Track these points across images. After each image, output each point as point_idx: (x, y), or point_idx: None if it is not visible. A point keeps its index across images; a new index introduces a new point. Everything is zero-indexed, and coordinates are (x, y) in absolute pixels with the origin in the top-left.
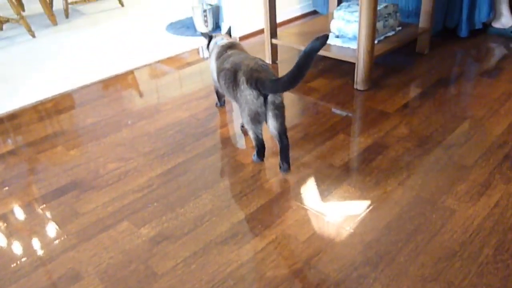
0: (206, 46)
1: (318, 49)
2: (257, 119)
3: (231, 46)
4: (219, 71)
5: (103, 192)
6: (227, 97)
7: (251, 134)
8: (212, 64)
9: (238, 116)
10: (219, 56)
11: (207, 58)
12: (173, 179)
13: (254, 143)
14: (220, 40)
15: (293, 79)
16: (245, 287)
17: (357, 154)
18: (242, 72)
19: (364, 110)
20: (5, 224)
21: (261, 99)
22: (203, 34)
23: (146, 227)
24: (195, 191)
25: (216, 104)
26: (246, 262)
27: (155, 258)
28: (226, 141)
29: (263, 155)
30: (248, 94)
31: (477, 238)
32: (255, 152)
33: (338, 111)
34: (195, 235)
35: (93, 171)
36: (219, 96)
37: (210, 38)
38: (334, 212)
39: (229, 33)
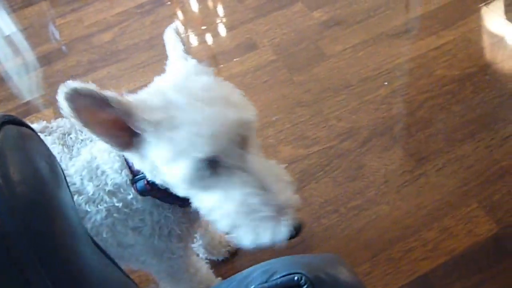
0: None
1: None
2: None
3: None
4: None
5: None
6: None
7: None
8: None
9: None
10: None
11: None
12: None
13: None
14: None
15: None
16: (411, 79)
17: None
18: None
19: None
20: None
21: None
22: None
23: (319, 11)
24: None
25: None
26: (417, 57)
27: (325, 40)
28: None
29: None
30: None
31: None
32: None
33: None
34: (367, 24)
35: None
36: None
37: None
38: None
39: None
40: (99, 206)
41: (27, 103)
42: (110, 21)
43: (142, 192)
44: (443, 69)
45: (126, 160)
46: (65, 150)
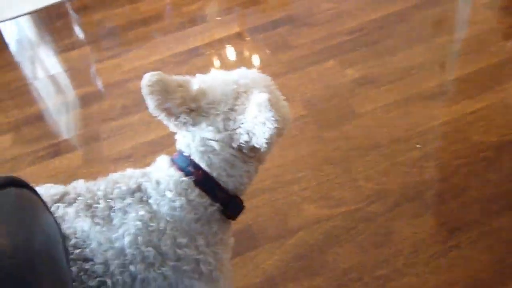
0: None
1: None
2: None
3: None
4: None
5: (315, 30)
6: None
7: None
8: None
9: None
10: None
11: None
12: (387, 26)
13: None
14: None
15: None
16: (445, 144)
17: None
18: None
19: None
20: (222, 48)
21: None
22: None
23: (352, 68)
24: (408, 42)
25: None
26: (452, 121)
27: (357, 98)
28: None
29: None
30: None
31: None
32: None
33: None
34: (400, 84)
35: (308, 9)
36: None
37: None
38: None
39: None
40: (162, 268)
41: (59, 143)
42: (146, 68)
43: (236, 212)
44: (479, 135)
45: (209, 192)
46: (99, 222)
